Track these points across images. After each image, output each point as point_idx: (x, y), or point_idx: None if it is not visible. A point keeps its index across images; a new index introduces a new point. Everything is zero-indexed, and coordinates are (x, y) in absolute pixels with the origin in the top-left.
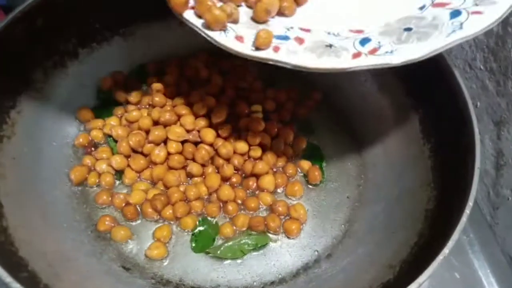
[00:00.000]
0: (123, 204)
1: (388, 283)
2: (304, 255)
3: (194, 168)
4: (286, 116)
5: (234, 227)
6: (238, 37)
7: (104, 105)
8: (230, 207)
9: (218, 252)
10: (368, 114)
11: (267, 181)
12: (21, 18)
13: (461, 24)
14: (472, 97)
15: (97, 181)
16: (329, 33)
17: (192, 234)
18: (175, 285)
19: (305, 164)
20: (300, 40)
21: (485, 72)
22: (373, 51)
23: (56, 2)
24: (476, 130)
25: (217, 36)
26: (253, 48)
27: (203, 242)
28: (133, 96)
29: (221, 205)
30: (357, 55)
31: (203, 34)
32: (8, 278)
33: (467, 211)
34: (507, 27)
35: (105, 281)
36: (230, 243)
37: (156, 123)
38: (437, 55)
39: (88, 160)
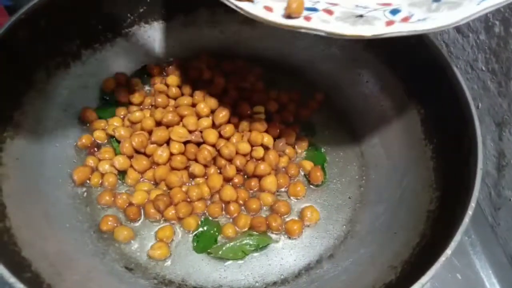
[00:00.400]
0: (126, 205)
1: (390, 284)
2: (306, 256)
3: (196, 168)
4: (289, 117)
5: (236, 228)
6: (266, 7)
7: (107, 106)
8: (232, 207)
9: (220, 252)
10: (370, 115)
11: (269, 181)
12: (24, 19)
13: None
14: (474, 98)
15: (100, 181)
16: (357, 6)
17: (194, 235)
18: (177, 285)
19: (307, 164)
20: (329, 12)
21: (487, 73)
22: (405, 19)
23: (59, 4)
24: (478, 131)
25: (246, 6)
26: (284, 17)
27: (205, 243)
28: (136, 97)
29: (223, 206)
30: (390, 22)
31: (230, 5)
32: (11, 278)
33: (469, 212)
34: (509, 28)
35: (108, 281)
36: (232, 243)
37: (158, 123)
38: (438, 55)
39: (91, 161)
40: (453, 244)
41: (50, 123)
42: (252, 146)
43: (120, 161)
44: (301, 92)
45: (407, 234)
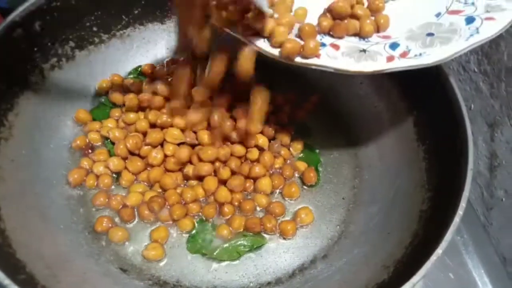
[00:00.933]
0: (120, 206)
1: (383, 283)
2: (300, 256)
3: (190, 170)
4: (284, 118)
5: (231, 229)
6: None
7: (101, 107)
8: (226, 209)
9: (215, 253)
10: (363, 116)
11: (264, 183)
12: (19, 21)
13: (477, 29)
14: (466, 99)
15: (95, 183)
16: (359, 39)
17: (189, 235)
18: (172, 286)
19: (301, 165)
20: (336, 47)
21: (479, 75)
22: (403, 55)
23: (53, 6)
24: (469, 132)
25: (263, 45)
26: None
27: (199, 243)
28: (130, 99)
29: (218, 207)
30: (390, 58)
31: (250, 44)
32: (6, 280)
33: (460, 212)
34: None
35: (103, 283)
36: (226, 244)
37: (153, 125)
38: None
39: (85, 162)
40: (444, 244)
41: (45, 125)
42: (247, 147)
43: (115, 163)
44: (296, 94)
45: (400, 234)
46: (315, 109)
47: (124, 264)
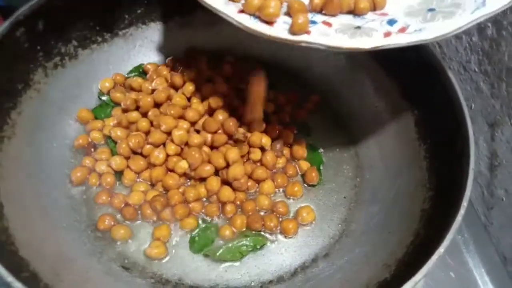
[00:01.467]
0: (122, 205)
1: (385, 282)
2: (302, 255)
3: (186, 166)
4: (286, 118)
5: (233, 229)
6: (268, 22)
7: (103, 106)
8: (228, 208)
9: (217, 254)
10: (365, 116)
11: (267, 186)
12: (22, 20)
13: (484, 1)
14: (467, 99)
15: (98, 182)
16: (354, 16)
17: (191, 235)
18: (174, 284)
19: (304, 164)
20: (328, 24)
21: (480, 74)
22: (402, 30)
23: (56, 5)
24: (471, 132)
25: (247, 21)
26: (287, 32)
27: (202, 243)
28: (127, 100)
29: (220, 206)
30: (387, 34)
31: (231, 20)
32: (9, 278)
33: (461, 211)
34: (501, 30)
35: (105, 281)
36: (229, 245)
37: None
38: (432, 57)
39: (87, 161)
40: (446, 243)
41: (47, 123)
42: (250, 146)
43: (117, 162)
44: (298, 94)
45: (401, 233)
46: (316, 109)
47: (126, 262)
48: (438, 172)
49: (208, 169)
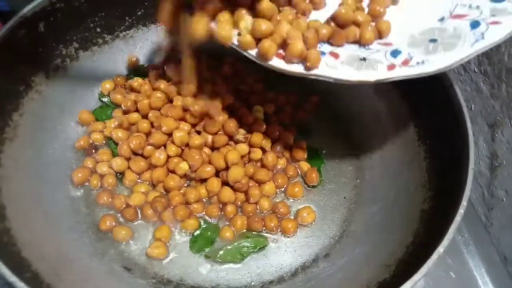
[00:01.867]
0: (123, 206)
1: (385, 282)
2: (302, 255)
3: (186, 166)
4: (286, 119)
5: (234, 230)
6: (278, 55)
7: (104, 108)
8: (229, 208)
9: (218, 255)
10: (365, 117)
11: (268, 188)
12: (23, 23)
13: (483, 34)
14: (467, 100)
15: (99, 183)
16: (360, 46)
17: (192, 236)
18: (176, 284)
19: (304, 165)
20: (335, 55)
21: (480, 75)
22: (405, 63)
23: (58, 7)
24: (470, 132)
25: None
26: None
27: (202, 244)
28: (127, 101)
29: (221, 207)
30: (391, 67)
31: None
32: (12, 278)
33: (461, 210)
34: None
35: (107, 281)
36: (230, 246)
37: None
38: None
39: (88, 163)
40: (445, 242)
41: (49, 125)
42: (250, 146)
43: (118, 163)
44: (298, 95)
45: (401, 233)
46: (316, 110)
47: (127, 263)
48: (438, 173)
49: (208, 170)
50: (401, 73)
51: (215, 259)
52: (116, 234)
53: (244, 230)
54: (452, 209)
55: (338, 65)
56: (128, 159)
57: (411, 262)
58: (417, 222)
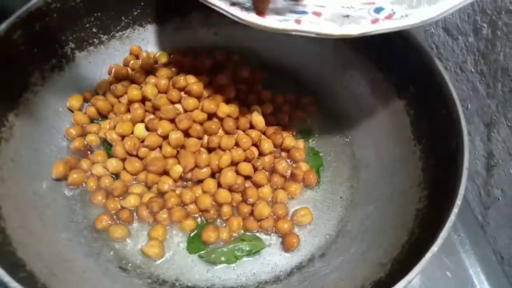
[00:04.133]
0: (118, 207)
1: (380, 281)
2: (298, 255)
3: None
4: (284, 119)
5: (230, 232)
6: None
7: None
8: (225, 209)
9: (212, 256)
10: (361, 116)
11: (266, 191)
12: (19, 23)
13: None
14: (463, 99)
15: (95, 184)
16: (343, 7)
17: (189, 235)
18: (171, 284)
19: (303, 165)
20: (317, 14)
21: (476, 75)
22: (389, 17)
23: (53, 7)
24: (465, 131)
25: (239, 13)
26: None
27: (197, 244)
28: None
29: (217, 208)
30: (375, 21)
31: (225, 13)
32: (6, 277)
33: (455, 209)
34: (496, 30)
35: (102, 281)
36: (225, 248)
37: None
38: (428, 58)
39: (84, 164)
40: (439, 241)
41: (44, 126)
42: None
43: (113, 164)
44: (295, 95)
45: (396, 232)
46: (314, 110)
47: (123, 263)
48: (433, 172)
49: (204, 171)
50: (385, 26)
51: (209, 260)
52: (112, 233)
53: (241, 232)
54: (447, 208)
55: (321, 21)
56: (123, 160)
57: (406, 261)
58: (412, 221)
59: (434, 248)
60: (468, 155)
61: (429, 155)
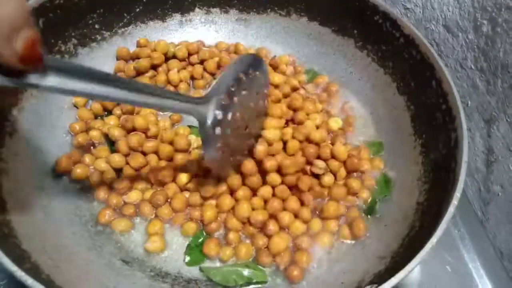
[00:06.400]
0: (121, 203)
1: (380, 274)
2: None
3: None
4: None
5: (235, 257)
6: None
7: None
8: (232, 236)
9: (211, 273)
10: (361, 112)
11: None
12: None
13: None
14: (463, 96)
15: (98, 179)
16: None
17: (187, 246)
18: (174, 277)
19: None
20: None
21: (476, 72)
22: None
23: (57, 4)
24: (464, 126)
25: None
26: None
27: (198, 255)
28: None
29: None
30: None
31: None
32: (13, 267)
33: (454, 201)
34: (496, 27)
35: (105, 274)
36: (224, 269)
37: None
38: (428, 54)
39: (87, 159)
40: (438, 233)
41: (48, 120)
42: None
43: (115, 159)
44: None
45: (397, 226)
46: None
47: (126, 256)
48: (433, 166)
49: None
50: None
51: (207, 276)
52: (115, 226)
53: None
54: (446, 201)
55: None
56: (126, 156)
57: (406, 254)
58: (413, 215)
59: (434, 239)
60: (468, 148)
61: (429, 149)
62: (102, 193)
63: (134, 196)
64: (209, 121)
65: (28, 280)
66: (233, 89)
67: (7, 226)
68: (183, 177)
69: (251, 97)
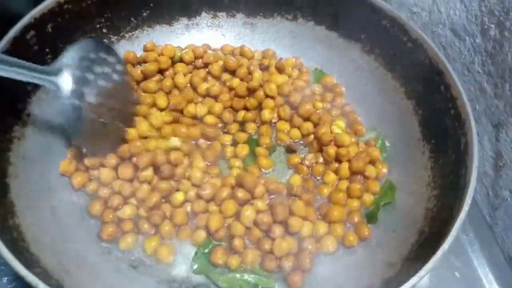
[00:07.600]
0: (114, 217)
1: (390, 280)
2: None
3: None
4: None
5: (242, 264)
6: None
7: None
8: (236, 242)
9: (220, 279)
10: (370, 116)
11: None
12: (32, 24)
13: None
14: (471, 100)
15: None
16: None
17: (195, 253)
18: (181, 282)
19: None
20: None
21: (483, 75)
22: None
23: (65, 9)
24: (474, 131)
25: None
26: None
27: (205, 264)
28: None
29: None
30: None
31: None
32: (24, 272)
33: (465, 208)
34: (504, 31)
35: (113, 279)
36: (230, 275)
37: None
38: (436, 58)
39: (87, 163)
40: (450, 239)
41: (56, 124)
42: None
43: (105, 173)
44: None
45: (406, 231)
46: None
47: (133, 261)
48: (443, 171)
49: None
50: None
51: (215, 282)
52: (121, 243)
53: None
54: (457, 207)
55: None
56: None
57: (416, 260)
58: (422, 220)
59: (445, 246)
60: (478, 154)
61: (438, 155)
62: (97, 207)
63: (127, 211)
64: (64, 91)
65: (40, 285)
66: (84, 64)
67: (16, 230)
68: (180, 196)
69: (110, 79)
